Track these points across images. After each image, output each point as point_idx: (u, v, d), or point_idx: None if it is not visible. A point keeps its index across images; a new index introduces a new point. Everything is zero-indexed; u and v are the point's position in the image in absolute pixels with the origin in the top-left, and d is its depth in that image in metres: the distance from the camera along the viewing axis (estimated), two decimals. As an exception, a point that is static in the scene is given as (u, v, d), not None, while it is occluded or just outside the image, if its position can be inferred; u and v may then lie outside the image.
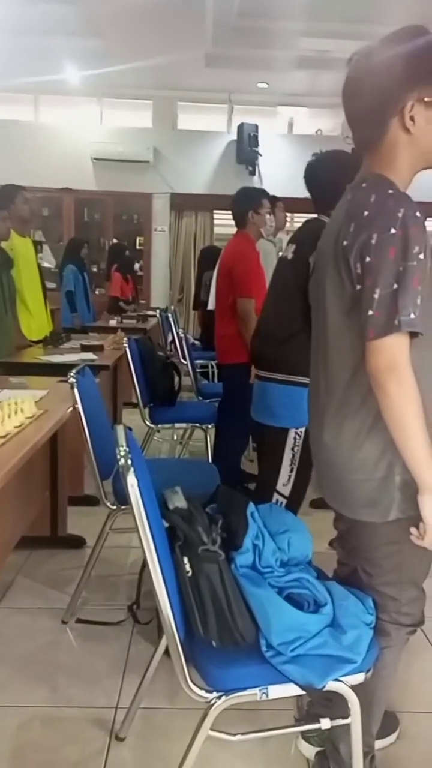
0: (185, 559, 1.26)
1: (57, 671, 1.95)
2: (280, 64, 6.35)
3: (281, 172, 7.66)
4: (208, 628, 1.24)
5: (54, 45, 6.10)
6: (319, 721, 1.34)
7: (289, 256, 2.23)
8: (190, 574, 1.26)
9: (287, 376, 2.19)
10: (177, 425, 3.59)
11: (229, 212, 3.29)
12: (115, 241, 7.92)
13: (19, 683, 1.88)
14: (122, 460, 1.19)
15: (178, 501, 1.37)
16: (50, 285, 4.98)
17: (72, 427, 2.26)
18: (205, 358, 5.06)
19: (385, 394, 1.16)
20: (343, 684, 1.26)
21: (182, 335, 4.45)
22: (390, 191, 1.18)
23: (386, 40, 1.23)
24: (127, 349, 3.25)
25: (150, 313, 6.67)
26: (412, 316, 1.12)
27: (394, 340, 1.14)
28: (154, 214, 8.16)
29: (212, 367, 5.20)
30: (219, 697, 1.23)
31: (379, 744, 1.57)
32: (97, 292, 7.44)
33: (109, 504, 2.13)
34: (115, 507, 2.12)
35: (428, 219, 1.37)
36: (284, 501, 2.28)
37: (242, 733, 1.34)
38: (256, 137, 7.74)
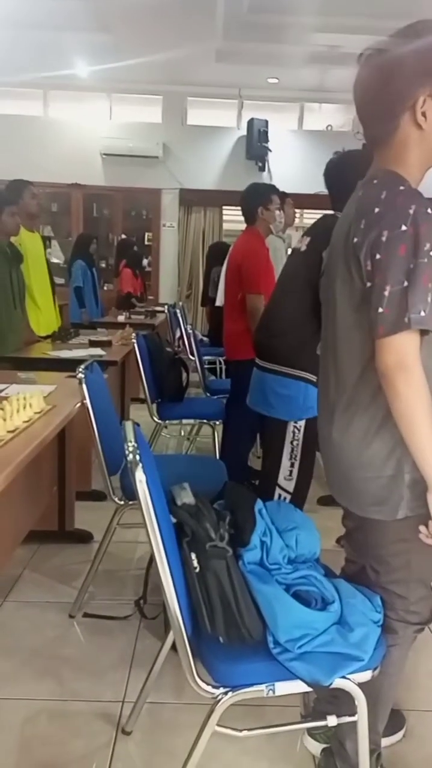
0: (193, 555, 1.26)
1: (64, 665, 1.96)
2: (290, 59, 6.32)
3: (291, 168, 7.65)
4: (216, 624, 1.24)
5: (63, 40, 6.10)
6: (325, 718, 1.35)
7: (303, 248, 2.22)
8: (197, 570, 1.26)
9: (286, 368, 2.19)
10: (184, 421, 3.59)
11: (239, 208, 3.28)
12: (123, 236, 7.92)
13: (26, 676, 1.89)
14: (131, 456, 1.19)
15: (186, 497, 1.37)
16: (59, 280, 4.99)
17: (80, 422, 2.26)
18: (212, 354, 5.06)
19: (394, 392, 1.15)
20: (350, 681, 1.26)
21: (190, 331, 4.45)
22: (401, 188, 1.17)
23: (398, 35, 1.22)
24: (136, 345, 3.25)
25: (158, 308, 6.67)
26: (423, 313, 1.12)
27: (404, 338, 1.13)
28: (162, 210, 8.16)
29: (220, 363, 5.20)
30: (225, 693, 1.23)
31: (385, 742, 1.57)
32: (105, 288, 7.45)
33: (116, 499, 2.13)
34: (122, 502, 2.13)
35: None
36: (288, 497, 2.28)
37: (248, 729, 1.34)
38: (266, 133, 7.71)
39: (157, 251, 8.28)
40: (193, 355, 4.17)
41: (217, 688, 1.24)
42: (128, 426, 1.31)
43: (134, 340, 3.30)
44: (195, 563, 1.26)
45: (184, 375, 3.51)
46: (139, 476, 1.16)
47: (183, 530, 1.31)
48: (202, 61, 6.54)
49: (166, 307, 6.43)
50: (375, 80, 1.23)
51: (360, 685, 1.27)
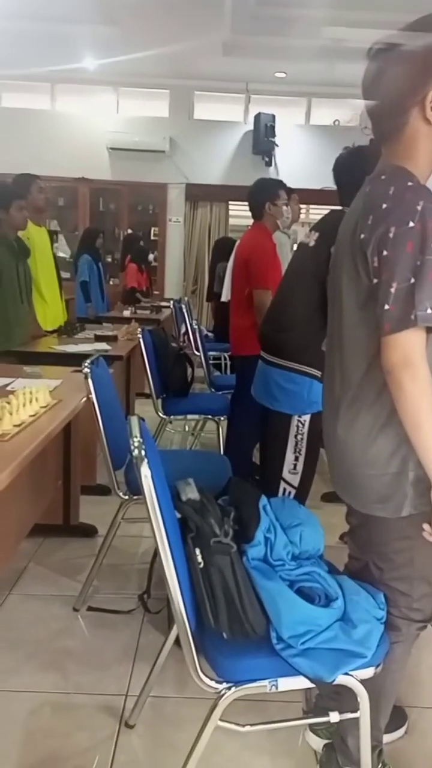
0: (197, 551, 1.27)
1: (68, 658, 1.97)
2: (298, 53, 6.28)
3: (298, 163, 7.62)
4: (219, 619, 1.24)
5: (71, 33, 6.08)
6: (327, 714, 1.35)
7: (311, 243, 2.21)
8: (201, 565, 1.26)
9: (292, 363, 2.19)
10: (189, 416, 3.59)
11: (245, 203, 3.27)
12: (129, 231, 7.91)
13: (30, 669, 1.91)
14: (136, 451, 1.19)
15: (190, 492, 1.37)
16: (65, 275, 4.99)
17: (85, 417, 2.27)
18: (217, 350, 5.06)
19: (399, 390, 1.15)
20: (353, 678, 1.26)
21: (195, 326, 4.45)
22: (409, 183, 1.17)
23: (407, 29, 1.21)
24: (141, 340, 3.25)
25: (164, 304, 6.67)
26: (429, 311, 1.11)
27: (410, 335, 1.12)
28: (169, 205, 8.14)
29: (225, 358, 5.19)
30: (229, 688, 1.24)
31: (387, 738, 1.57)
32: (111, 283, 7.44)
33: (121, 494, 2.14)
34: (127, 497, 2.14)
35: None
36: (293, 491, 2.28)
37: (251, 724, 1.34)
38: (273, 127, 7.67)
39: (163, 246, 8.27)
40: (198, 350, 4.17)
41: (220, 683, 1.24)
42: (134, 421, 1.31)
43: (140, 335, 3.30)
44: (199, 559, 1.26)
45: (189, 370, 3.50)
46: (145, 471, 1.17)
47: (187, 526, 1.31)
48: (210, 55, 6.50)
49: (171, 302, 6.42)
50: (384, 75, 1.22)
51: (363, 681, 1.27)
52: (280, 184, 3.26)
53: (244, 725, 1.31)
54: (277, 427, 2.28)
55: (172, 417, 3.40)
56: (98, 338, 3.76)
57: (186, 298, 6.67)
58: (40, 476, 2.36)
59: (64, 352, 3.30)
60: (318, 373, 2.08)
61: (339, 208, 2.22)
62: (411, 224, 1.12)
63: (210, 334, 5.68)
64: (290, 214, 3.42)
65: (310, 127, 8.07)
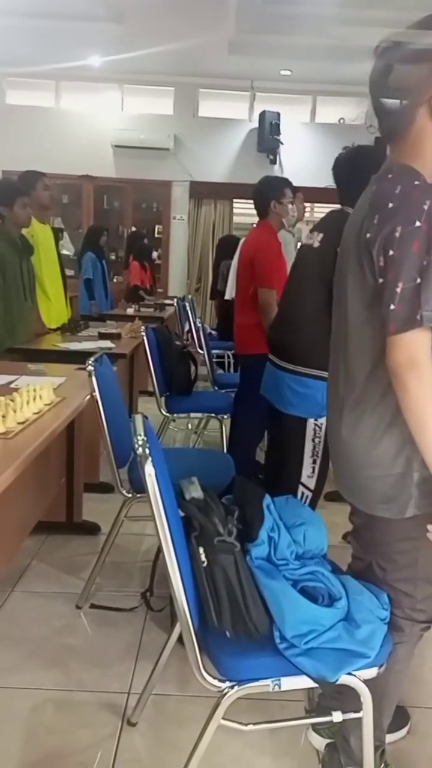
0: (201, 550, 1.27)
1: (70, 655, 1.97)
2: (304, 51, 6.27)
3: (303, 161, 7.60)
4: (222, 618, 1.24)
5: (76, 30, 6.08)
6: (330, 714, 1.35)
7: (315, 244, 2.20)
8: (205, 564, 1.26)
9: (303, 368, 2.18)
10: (192, 415, 3.59)
11: (249, 201, 3.26)
12: (133, 229, 7.91)
13: (33, 666, 1.91)
14: (140, 450, 1.19)
15: (194, 491, 1.37)
16: (69, 272, 5.00)
17: (89, 414, 2.27)
18: (221, 348, 5.05)
19: (404, 390, 1.14)
20: (356, 678, 1.26)
21: (199, 325, 4.44)
22: (416, 182, 1.16)
23: (414, 27, 1.21)
24: (145, 338, 3.25)
25: (167, 302, 6.66)
26: (436, 311, 1.11)
27: (416, 336, 1.12)
28: (173, 203, 8.13)
29: (228, 357, 5.19)
30: (231, 687, 1.24)
31: (389, 738, 1.57)
32: (115, 280, 7.44)
33: (124, 492, 2.14)
34: (130, 495, 2.13)
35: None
36: (309, 495, 2.27)
37: (254, 723, 1.34)
38: (277, 125, 7.66)
39: (167, 244, 8.26)
40: (201, 348, 4.17)
41: (223, 681, 1.24)
42: (138, 419, 1.31)
43: (143, 333, 3.30)
44: (203, 557, 1.26)
45: (193, 368, 3.50)
46: (149, 470, 1.16)
47: (191, 524, 1.31)
48: (215, 53, 6.49)
49: (175, 300, 6.42)
50: (391, 73, 1.21)
51: (365, 681, 1.27)
52: (285, 182, 3.25)
53: (246, 724, 1.31)
54: (292, 431, 2.27)
55: (175, 415, 3.40)
56: (102, 336, 3.76)
57: (190, 296, 6.67)
58: (43, 474, 2.36)
59: (67, 350, 3.30)
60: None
61: (339, 207, 2.22)
62: (417, 224, 1.11)
63: (213, 332, 5.67)
64: (296, 212, 3.41)
65: (315, 125, 8.05)
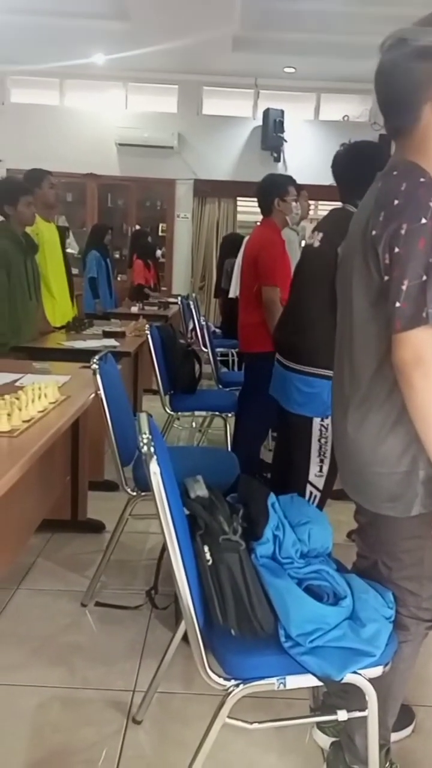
0: (206, 548, 1.27)
1: (75, 653, 1.97)
2: (308, 48, 6.25)
3: (307, 159, 7.58)
4: (227, 616, 1.24)
5: (80, 28, 6.08)
6: (335, 712, 1.35)
7: (316, 244, 2.20)
8: (210, 562, 1.26)
9: (309, 368, 2.18)
10: (197, 413, 3.59)
11: (253, 199, 3.26)
12: (137, 227, 7.90)
13: (37, 664, 1.91)
14: (145, 448, 1.19)
15: (199, 490, 1.37)
16: (73, 271, 5.00)
17: (93, 412, 2.27)
18: (225, 347, 5.05)
19: (410, 388, 1.14)
20: (361, 677, 1.25)
21: (203, 323, 4.44)
22: (422, 180, 1.16)
23: (420, 23, 1.20)
24: (149, 336, 3.25)
25: (171, 300, 6.66)
26: (441, 308, 1.10)
27: (422, 333, 1.12)
28: (177, 201, 8.13)
29: (233, 355, 5.19)
30: (236, 685, 1.24)
31: (394, 737, 1.57)
32: (119, 279, 7.44)
33: (129, 490, 2.14)
34: (135, 493, 2.14)
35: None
36: (318, 494, 2.26)
37: (259, 722, 1.34)
38: (281, 123, 7.64)
39: (171, 242, 8.26)
40: (206, 346, 4.17)
41: (228, 680, 1.24)
42: (143, 418, 1.31)
43: (147, 332, 3.30)
44: (208, 556, 1.26)
45: (197, 367, 3.50)
46: (154, 468, 1.16)
47: (196, 523, 1.31)
48: (219, 50, 6.48)
49: (179, 298, 6.42)
50: (396, 70, 1.21)
51: (371, 680, 1.27)
52: (289, 180, 3.24)
53: (251, 722, 1.31)
54: (298, 431, 2.27)
55: (179, 413, 3.40)
56: (106, 334, 3.76)
57: (194, 295, 6.67)
58: (48, 472, 2.36)
59: (72, 348, 3.30)
60: None
61: (340, 205, 2.21)
62: (423, 221, 1.11)
63: (218, 331, 5.67)
64: (299, 210, 3.41)
65: (319, 122, 8.03)
